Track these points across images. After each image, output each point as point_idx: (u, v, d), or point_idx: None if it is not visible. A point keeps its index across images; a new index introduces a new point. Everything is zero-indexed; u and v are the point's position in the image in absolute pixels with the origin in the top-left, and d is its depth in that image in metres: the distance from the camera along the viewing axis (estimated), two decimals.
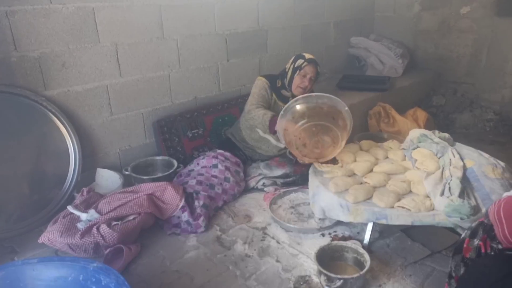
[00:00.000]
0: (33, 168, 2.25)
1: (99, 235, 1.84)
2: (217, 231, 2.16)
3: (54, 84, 2.26)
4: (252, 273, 1.83)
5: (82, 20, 2.28)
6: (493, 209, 1.29)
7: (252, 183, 2.58)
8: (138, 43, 2.54)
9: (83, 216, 1.97)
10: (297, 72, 2.50)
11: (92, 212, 1.98)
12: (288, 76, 2.54)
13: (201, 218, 2.15)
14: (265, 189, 2.55)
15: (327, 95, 2.24)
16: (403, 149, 2.40)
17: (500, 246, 1.27)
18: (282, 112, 2.24)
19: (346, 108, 2.24)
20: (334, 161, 2.33)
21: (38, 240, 1.91)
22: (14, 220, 2.16)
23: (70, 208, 2.01)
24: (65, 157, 2.33)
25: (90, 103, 2.44)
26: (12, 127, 2.14)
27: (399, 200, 1.92)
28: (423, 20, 4.08)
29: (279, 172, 2.56)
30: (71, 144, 2.33)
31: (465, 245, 1.38)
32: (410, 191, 2.02)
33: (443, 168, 2.04)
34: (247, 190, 2.57)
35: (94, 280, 1.48)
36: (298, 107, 2.23)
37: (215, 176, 2.44)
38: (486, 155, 2.12)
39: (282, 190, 2.46)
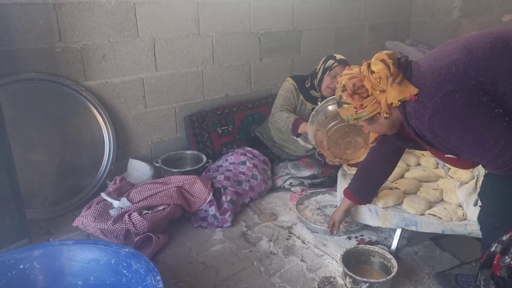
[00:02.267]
0: (69, 156, 2.33)
1: (130, 223, 1.90)
2: (243, 227, 2.19)
3: (94, 75, 2.35)
4: (277, 270, 1.84)
5: (123, 15, 2.35)
6: None
7: (279, 182, 2.59)
8: (174, 38, 2.60)
9: (116, 203, 2.03)
10: (327, 72, 2.49)
11: (124, 200, 2.04)
12: (318, 76, 2.54)
13: (228, 213, 2.18)
14: (292, 189, 2.56)
15: None
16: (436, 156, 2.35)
17: None
18: (313, 113, 2.24)
19: None
20: None
21: (73, 224, 1.99)
22: (50, 203, 2.25)
23: (103, 195, 2.08)
24: (100, 147, 2.41)
25: (126, 95, 2.51)
26: (53, 115, 2.23)
27: (430, 207, 1.88)
28: (462, 26, 3.97)
29: (306, 173, 2.56)
30: (107, 134, 2.40)
31: (495, 262, 1.33)
32: (442, 200, 1.98)
33: (477, 178, 1.99)
34: (274, 189, 2.58)
35: (125, 264, 1.53)
36: (331, 107, 2.22)
37: (243, 173, 2.47)
38: None
39: (309, 191, 2.46)
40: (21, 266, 1.51)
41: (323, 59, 2.56)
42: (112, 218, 1.92)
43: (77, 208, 2.26)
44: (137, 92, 2.56)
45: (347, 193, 1.91)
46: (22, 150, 2.10)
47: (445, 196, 1.98)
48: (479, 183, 1.92)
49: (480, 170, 2.03)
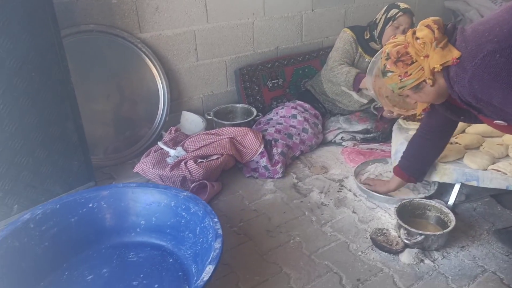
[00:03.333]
0: (127, 107, 2.43)
1: (187, 170, 1.98)
2: (294, 178, 2.21)
3: (148, 27, 2.38)
4: (328, 220, 1.86)
5: None
6: None
7: (330, 136, 2.56)
8: None
9: (172, 152, 2.11)
10: (390, 23, 2.34)
11: (179, 149, 2.11)
12: (379, 27, 2.40)
13: (279, 165, 2.20)
14: (343, 143, 2.52)
15: None
16: None
17: None
18: (373, 59, 2.13)
19: None
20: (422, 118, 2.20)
21: (133, 170, 2.10)
22: (110, 151, 2.38)
23: (160, 144, 2.16)
24: (155, 98, 2.49)
25: (178, 47, 2.53)
26: (111, 67, 2.31)
27: (493, 163, 1.78)
28: None
29: (359, 127, 2.50)
30: (161, 86, 2.46)
31: None
32: (507, 156, 1.86)
33: None
34: (324, 143, 2.55)
35: (184, 207, 1.61)
36: None
37: (294, 126, 2.45)
38: None
39: (361, 145, 2.41)
40: (90, 205, 1.64)
41: (385, 8, 2.41)
42: (169, 166, 2.01)
43: (136, 156, 2.38)
44: (189, 45, 2.57)
45: (397, 170, 1.86)
46: (84, 100, 2.21)
47: (511, 152, 1.86)
48: None
49: None
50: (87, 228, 1.61)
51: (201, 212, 1.54)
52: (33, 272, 1.46)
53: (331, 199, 2.01)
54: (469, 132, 2.06)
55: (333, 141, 2.55)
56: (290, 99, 2.87)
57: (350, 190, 2.08)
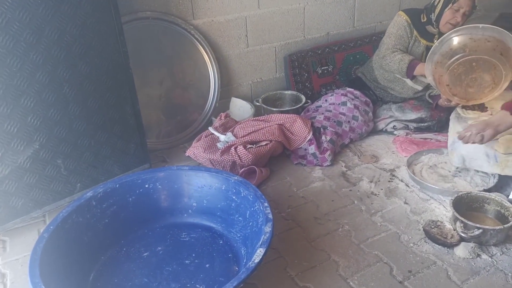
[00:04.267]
0: (179, 92, 2.50)
1: (236, 155, 2.01)
2: (343, 167, 2.18)
3: (201, 13, 2.41)
4: (378, 210, 1.83)
5: None
6: None
7: (381, 125, 2.49)
8: None
9: (222, 137, 2.16)
10: (449, 5, 2.21)
11: (229, 134, 2.15)
12: (437, 10, 2.27)
13: (328, 153, 2.18)
14: (395, 132, 2.44)
15: (496, 27, 1.93)
16: None
17: None
18: (436, 44, 2.03)
19: None
20: (482, 108, 2.08)
21: (185, 153, 2.18)
22: (163, 135, 2.47)
23: (211, 129, 2.22)
24: (206, 84, 2.54)
25: (229, 34, 2.55)
26: (165, 53, 2.38)
27: None
28: None
29: (413, 115, 2.41)
30: (212, 72, 2.51)
31: None
32: None
33: None
34: (375, 131, 2.49)
35: (234, 191, 1.64)
36: (458, 38, 1.97)
37: (343, 114, 2.41)
38: None
39: (414, 134, 2.32)
40: (146, 186, 1.72)
41: None
42: (219, 150, 2.06)
43: (187, 141, 2.45)
44: (239, 31, 2.58)
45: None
46: (139, 85, 2.30)
47: None
48: None
49: None
50: (143, 207, 1.69)
51: (251, 196, 1.57)
52: (95, 246, 1.57)
53: (382, 189, 1.97)
54: None
55: (384, 129, 2.48)
56: (340, 86, 2.81)
57: (402, 181, 2.02)
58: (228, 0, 2.46)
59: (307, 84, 2.80)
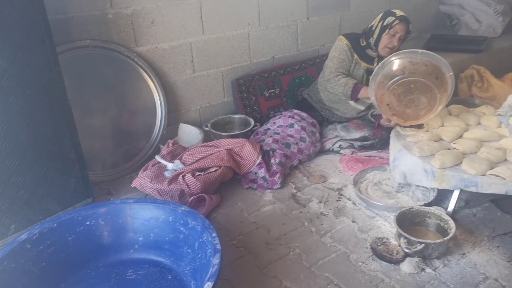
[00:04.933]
0: (124, 121, 2.43)
1: (185, 183, 1.97)
2: (293, 188, 2.20)
3: (144, 40, 2.39)
4: (328, 230, 1.85)
5: None
6: None
7: (328, 144, 2.55)
8: (221, 0, 2.56)
9: (170, 165, 2.11)
10: (386, 30, 2.34)
11: (177, 162, 2.11)
12: (375, 35, 2.40)
13: (277, 175, 2.19)
14: (341, 151, 2.51)
15: (433, 53, 2.07)
16: (499, 115, 2.19)
17: None
18: (380, 65, 2.14)
19: (451, 73, 2.04)
20: (419, 125, 2.20)
21: (131, 185, 2.10)
22: (108, 166, 2.38)
23: (158, 158, 2.16)
24: (152, 112, 2.49)
25: (175, 60, 2.54)
26: (108, 81, 2.32)
27: (492, 168, 1.77)
28: None
29: (357, 134, 2.50)
30: (158, 99, 2.47)
31: None
32: (505, 160, 1.85)
33: None
34: (323, 151, 2.55)
35: (182, 222, 1.60)
36: (399, 61, 2.09)
37: (291, 136, 2.45)
38: None
39: (359, 153, 2.40)
40: (87, 223, 1.63)
41: (381, 15, 2.41)
42: (167, 180, 2.00)
43: (134, 171, 2.37)
44: (185, 57, 2.57)
45: None
46: (81, 115, 2.22)
47: (509, 156, 1.85)
48: None
49: None
50: (84, 246, 1.60)
51: (199, 226, 1.53)
52: None
53: (331, 209, 2.00)
54: (467, 137, 2.06)
55: (331, 149, 2.54)
56: (287, 108, 2.87)
57: (349, 199, 2.07)
58: (172, 27, 2.45)
59: (255, 107, 2.83)
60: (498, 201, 1.93)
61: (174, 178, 2.01)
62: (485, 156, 1.86)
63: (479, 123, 2.21)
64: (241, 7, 2.66)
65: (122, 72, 2.34)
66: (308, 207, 2.03)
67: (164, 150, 2.26)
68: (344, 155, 2.47)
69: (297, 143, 2.42)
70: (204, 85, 2.72)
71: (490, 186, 1.69)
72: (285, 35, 2.95)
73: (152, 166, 2.13)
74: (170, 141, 2.33)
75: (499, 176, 1.71)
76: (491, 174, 1.73)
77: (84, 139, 2.06)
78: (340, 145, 2.52)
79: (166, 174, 2.07)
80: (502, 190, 1.67)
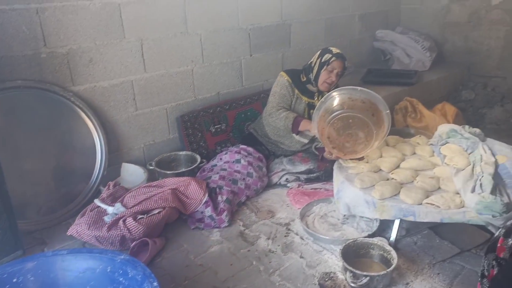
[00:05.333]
0: (61, 162, 2.30)
1: (125, 228, 1.87)
2: (240, 226, 2.16)
3: (81, 79, 2.31)
4: (276, 268, 1.82)
5: (108, 16, 2.31)
6: None
7: (275, 178, 2.56)
8: (162, 38, 2.56)
9: (110, 209, 2.00)
10: (324, 67, 2.46)
11: (118, 205, 2.01)
12: (315, 71, 2.51)
13: (224, 213, 2.15)
14: (288, 184, 2.53)
15: (372, 92, 2.18)
16: (431, 144, 2.33)
17: None
18: (322, 100, 2.21)
19: (388, 111, 2.16)
20: (360, 157, 2.28)
21: (67, 233, 1.96)
22: (44, 212, 2.22)
23: (97, 202, 2.05)
24: (91, 152, 2.38)
25: (115, 98, 2.47)
26: (41, 122, 2.19)
27: (427, 196, 1.86)
28: (452, 11, 3.95)
29: (302, 167, 2.54)
30: (98, 139, 2.37)
31: (499, 244, 1.33)
32: (439, 188, 1.95)
33: (473, 164, 1.97)
34: (270, 185, 2.55)
35: (121, 272, 1.50)
36: (339, 96, 2.19)
37: (238, 171, 2.44)
38: None
39: (306, 185, 2.44)
40: (14, 280, 1.48)
41: (319, 52, 2.52)
42: (106, 225, 1.89)
43: (72, 216, 2.23)
44: (126, 95, 2.52)
45: None
46: (12, 159, 2.07)
47: (442, 184, 1.96)
48: (476, 169, 1.91)
49: (476, 156, 2.02)
50: None
51: (139, 276, 1.44)
52: None
53: (279, 245, 1.98)
54: (404, 167, 2.16)
55: (278, 183, 2.56)
56: (234, 143, 2.87)
57: (297, 234, 2.07)
58: (111, 65, 2.40)
59: (201, 143, 2.80)
60: (436, 228, 2.02)
61: (114, 223, 1.90)
62: (421, 185, 1.95)
63: (414, 153, 2.34)
64: (184, 44, 2.68)
65: (58, 112, 2.23)
66: (256, 245, 1.99)
67: (104, 192, 2.15)
68: (291, 188, 2.49)
69: (244, 179, 2.41)
70: (147, 122, 2.66)
71: (427, 214, 1.77)
72: (229, 71, 2.99)
73: (91, 211, 2.01)
74: (111, 183, 2.23)
75: (433, 204, 1.79)
76: (426, 203, 1.81)
77: (16, 185, 1.92)
78: (287, 179, 2.55)
79: (106, 219, 1.96)
80: (437, 218, 1.75)
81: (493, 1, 3.65)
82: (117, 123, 2.51)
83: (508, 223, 1.38)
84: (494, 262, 1.33)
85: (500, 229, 1.40)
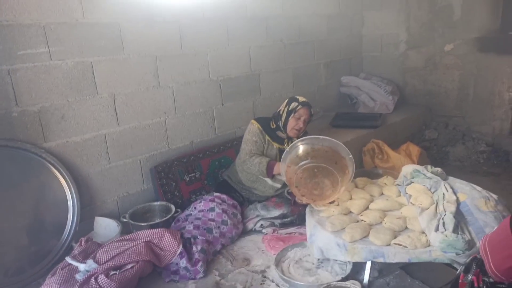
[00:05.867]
0: (31, 219, 2.26)
1: (97, 286, 1.83)
2: (216, 276, 2.15)
3: (53, 136, 2.33)
4: None
5: (81, 74, 2.38)
6: (482, 243, 1.32)
7: (250, 225, 2.59)
8: (134, 92, 2.64)
9: (81, 266, 1.96)
10: (292, 114, 2.58)
11: (90, 262, 1.97)
12: (283, 118, 2.62)
13: (200, 264, 2.14)
14: (263, 230, 2.55)
15: (333, 140, 2.30)
16: (398, 185, 2.44)
17: (491, 280, 1.29)
18: (287, 150, 2.31)
19: (350, 156, 2.27)
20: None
21: None
22: (13, 273, 2.15)
23: (68, 259, 2.01)
24: (63, 207, 2.35)
25: (88, 152, 2.49)
26: (11, 179, 2.18)
27: (395, 237, 1.93)
28: (410, 58, 4.24)
29: (276, 212, 2.58)
30: (70, 194, 2.36)
31: (460, 281, 1.40)
32: (406, 228, 2.03)
33: (437, 203, 2.07)
34: (246, 232, 2.57)
35: None
36: (303, 146, 2.29)
37: (213, 220, 2.45)
38: (479, 188, 2.15)
39: (281, 231, 2.47)
40: None
41: (286, 101, 2.66)
42: (78, 283, 1.85)
43: (43, 275, 2.16)
44: (99, 149, 2.54)
45: None
46: None
47: (409, 224, 2.04)
48: (439, 208, 2.01)
49: (439, 195, 2.12)
50: None
51: None
52: None
53: None
54: (372, 208, 2.24)
55: (253, 229, 2.58)
56: (209, 190, 2.89)
57: (272, 281, 2.07)
58: (84, 120, 2.44)
59: (176, 192, 2.82)
60: (407, 267, 2.06)
61: (86, 281, 1.86)
62: (389, 226, 2.02)
63: (382, 193, 2.43)
64: (156, 97, 2.76)
65: (29, 169, 2.23)
66: None
67: (76, 249, 2.11)
68: (266, 234, 2.51)
69: (219, 227, 2.42)
70: (121, 174, 2.67)
71: (395, 255, 1.83)
72: (202, 120, 3.07)
73: (61, 270, 1.97)
74: (83, 238, 2.20)
75: (401, 244, 1.85)
76: (394, 244, 1.87)
77: None
78: (262, 224, 2.57)
79: (78, 277, 1.92)
80: (405, 258, 1.81)
81: (446, 48, 3.96)
82: (90, 177, 2.51)
83: (468, 259, 1.45)
84: None
85: (461, 266, 1.47)
